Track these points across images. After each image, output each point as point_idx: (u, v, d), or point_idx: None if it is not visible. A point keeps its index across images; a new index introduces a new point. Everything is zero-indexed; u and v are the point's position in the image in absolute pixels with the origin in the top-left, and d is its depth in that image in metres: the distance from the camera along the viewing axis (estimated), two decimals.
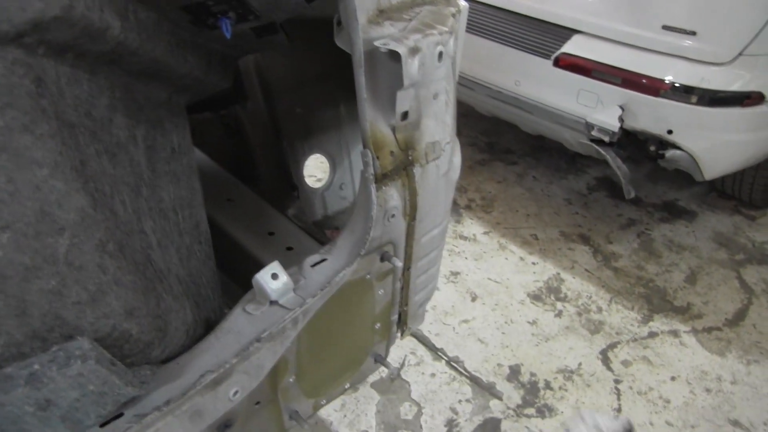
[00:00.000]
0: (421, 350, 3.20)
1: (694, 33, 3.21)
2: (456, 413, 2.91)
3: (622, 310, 3.55)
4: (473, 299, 3.56)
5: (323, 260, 1.47)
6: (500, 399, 2.98)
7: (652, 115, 3.39)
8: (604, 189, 4.53)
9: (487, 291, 3.62)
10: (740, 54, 3.20)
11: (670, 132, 3.38)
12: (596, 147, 3.58)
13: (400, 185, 1.62)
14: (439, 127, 1.72)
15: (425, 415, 2.89)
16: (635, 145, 3.60)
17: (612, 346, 3.32)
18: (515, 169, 4.71)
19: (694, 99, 3.27)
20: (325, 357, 1.71)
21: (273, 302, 1.36)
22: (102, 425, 1.13)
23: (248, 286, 1.51)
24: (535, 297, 3.60)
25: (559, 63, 3.62)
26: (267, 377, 1.41)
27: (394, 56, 1.52)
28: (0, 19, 0.94)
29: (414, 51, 1.54)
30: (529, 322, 3.44)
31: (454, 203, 3.98)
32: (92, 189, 1.10)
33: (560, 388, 3.07)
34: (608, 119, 3.47)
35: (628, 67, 3.40)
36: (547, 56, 3.65)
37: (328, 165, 2.36)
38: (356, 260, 1.47)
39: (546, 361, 3.21)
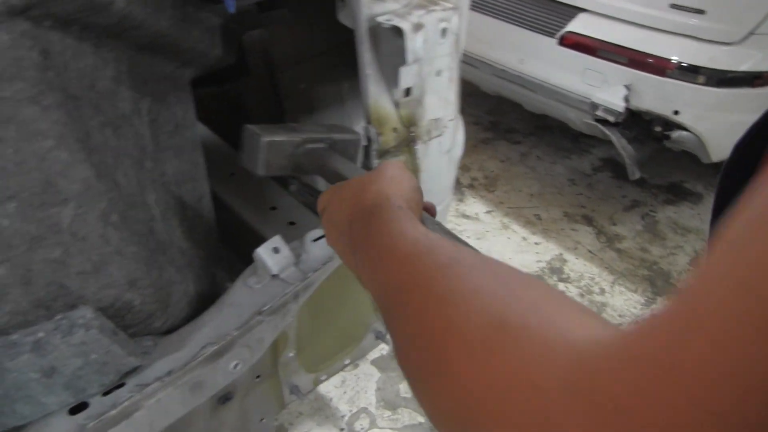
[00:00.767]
0: None
1: (702, 12, 3.19)
2: None
3: (626, 292, 3.54)
4: None
5: (324, 235, 1.48)
6: None
7: (658, 95, 3.37)
8: (609, 170, 4.52)
9: None
10: (751, 33, 3.17)
11: (676, 112, 3.37)
12: (601, 127, 3.57)
13: (403, 162, 1.63)
14: (442, 104, 1.72)
15: None
16: (640, 125, 3.59)
17: None
18: (519, 149, 4.70)
19: (701, 79, 3.26)
20: (325, 332, 1.73)
21: (274, 276, 1.37)
22: (104, 394, 1.14)
23: (250, 260, 1.51)
24: (538, 277, 3.60)
25: (564, 42, 3.60)
26: (267, 351, 1.42)
27: (397, 32, 1.52)
28: None
29: (417, 27, 1.55)
30: None
31: (457, 182, 3.98)
32: (96, 160, 1.11)
33: None
34: (613, 99, 3.45)
35: (635, 47, 3.38)
36: (552, 35, 3.63)
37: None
38: None
39: None
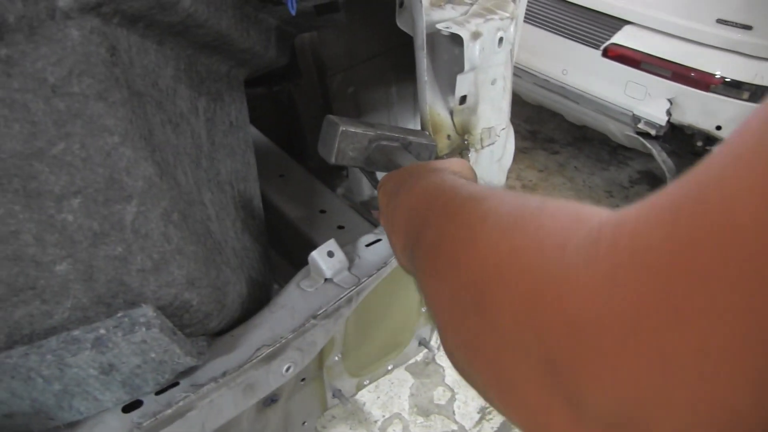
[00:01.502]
0: None
1: (749, 27, 3.16)
2: None
3: None
4: None
5: (378, 240, 1.47)
6: None
7: (701, 110, 3.35)
8: (647, 182, 4.48)
9: None
10: None
11: (719, 128, 3.34)
12: (642, 140, 3.55)
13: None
14: (495, 112, 1.71)
15: (458, 400, 2.90)
16: (680, 139, 3.56)
17: None
18: (557, 158, 4.67)
19: (746, 95, 3.23)
20: (371, 337, 1.72)
21: (328, 280, 1.36)
22: (157, 393, 1.14)
23: (297, 262, 1.51)
24: None
25: (608, 53, 3.59)
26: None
27: (456, 40, 1.52)
28: None
29: (475, 35, 1.54)
30: None
31: None
32: (158, 158, 1.11)
33: None
34: (656, 112, 3.44)
35: (679, 60, 3.36)
36: (596, 46, 3.62)
37: None
38: None
39: None
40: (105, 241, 1.04)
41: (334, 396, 1.71)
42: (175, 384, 1.16)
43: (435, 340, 1.96)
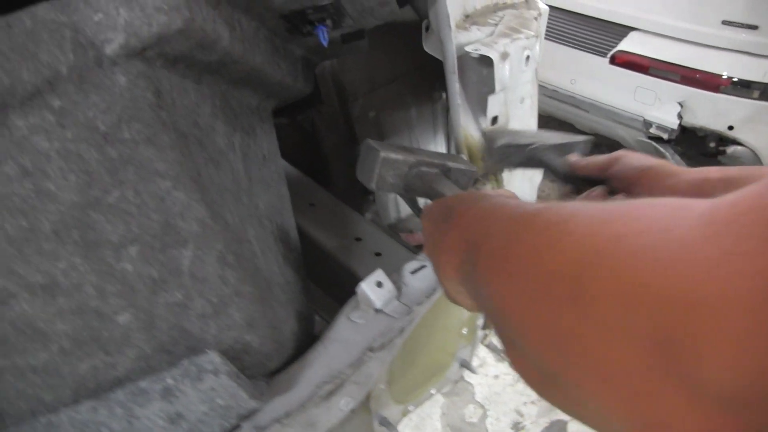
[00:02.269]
0: (483, 351, 3.18)
1: (755, 27, 3.17)
2: (521, 415, 2.89)
3: None
4: None
5: (423, 267, 1.46)
6: None
7: (713, 111, 3.36)
8: None
9: None
10: None
11: (731, 128, 3.35)
12: (654, 144, 3.56)
13: (490, 189, 1.61)
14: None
15: (490, 417, 2.88)
16: (691, 141, 3.56)
17: None
18: None
19: (756, 94, 3.23)
20: (415, 362, 1.71)
21: (378, 310, 1.35)
22: None
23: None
24: None
25: (615, 60, 3.61)
26: None
27: (486, 61, 1.51)
28: (128, 33, 0.95)
29: (504, 56, 1.54)
30: None
31: None
32: (209, 199, 1.10)
33: None
34: (667, 116, 3.45)
35: (687, 64, 3.37)
36: (603, 54, 3.63)
37: None
38: None
39: None
40: (164, 288, 1.03)
41: (381, 424, 1.69)
42: (237, 427, 1.15)
43: (476, 361, 1.95)
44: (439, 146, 2.38)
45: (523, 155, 1.23)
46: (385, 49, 2.00)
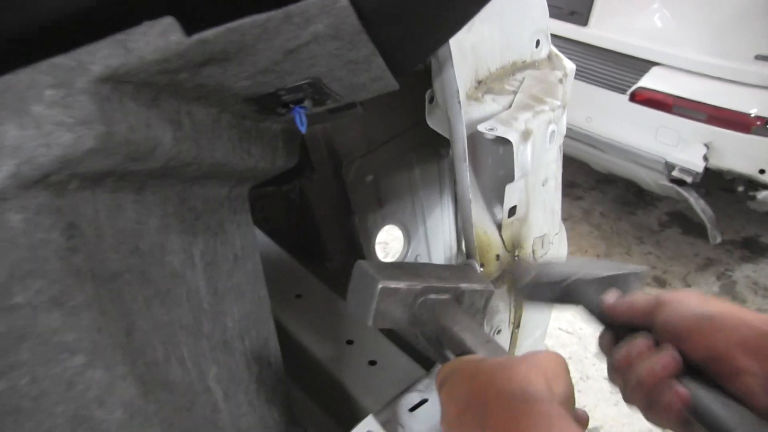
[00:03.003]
0: None
1: None
2: None
3: None
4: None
5: (423, 401, 1.20)
6: None
7: (742, 154, 3.17)
8: (677, 225, 4.21)
9: (559, 342, 3.32)
10: None
11: (762, 171, 3.13)
12: (677, 188, 3.33)
13: (506, 292, 1.36)
14: (548, 217, 1.45)
15: None
16: (712, 180, 3.35)
17: None
18: (581, 205, 4.41)
19: None
20: None
21: None
22: None
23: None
24: None
25: (635, 98, 3.40)
26: None
27: (503, 143, 1.26)
28: (19, 160, 0.69)
29: (525, 135, 1.28)
30: (607, 378, 3.14)
31: None
32: (141, 367, 0.84)
33: None
34: (691, 158, 3.23)
35: (714, 102, 3.16)
36: (622, 91, 3.43)
37: (401, 236, 2.12)
38: None
39: (628, 423, 2.92)
40: None
41: None
42: None
43: None
44: (446, 209, 2.13)
45: (557, 292, 0.99)
46: (382, 103, 1.72)
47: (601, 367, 3.12)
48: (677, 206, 4.29)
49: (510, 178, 1.29)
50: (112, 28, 0.72)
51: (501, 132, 1.24)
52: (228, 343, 1.17)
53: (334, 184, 1.89)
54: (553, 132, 1.36)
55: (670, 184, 3.34)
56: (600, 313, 0.87)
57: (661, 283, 3.73)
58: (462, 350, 0.89)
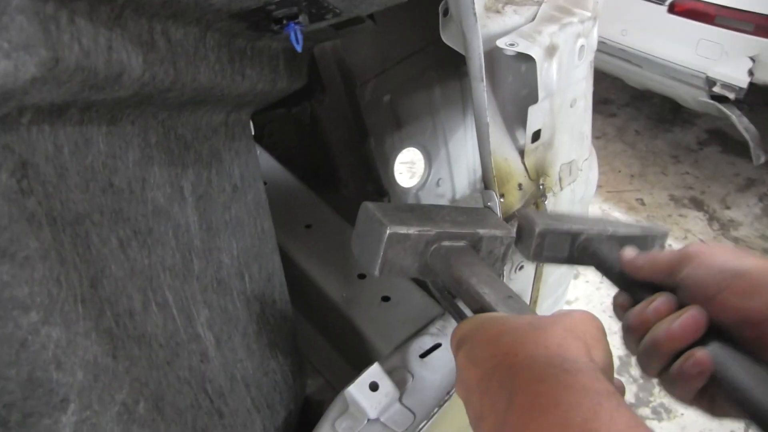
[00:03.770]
0: None
1: None
2: None
3: None
4: (575, 277, 3.16)
5: (436, 346, 1.10)
6: None
7: None
8: (717, 143, 4.05)
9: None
10: None
11: None
12: (718, 105, 3.18)
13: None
14: (576, 141, 1.33)
15: None
16: (755, 94, 3.20)
17: None
18: (615, 122, 4.25)
19: None
20: None
21: (373, 419, 1.00)
22: None
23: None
24: None
25: (674, 9, 3.25)
26: None
27: (525, 60, 1.13)
28: None
29: (551, 51, 1.15)
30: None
31: None
32: (109, 321, 0.74)
33: None
34: (735, 73, 3.09)
35: (763, 10, 2.98)
36: (660, 1, 3.27)
37: (422, 158, 2.00)
38: None
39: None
40: None
41: None
42: None
43: None
44: (469, 130, 2.01)
45: (572, 248, 0.89)
46: (398, 18, 1.58)
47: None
48: (717, 123, 4.12)
49: (533, 98, 1.16)
50: None
51: (523, 47, 1.11)
52: (224, 282, 1.08)
53: (348, 105, 1.77)
54: (582, 47, 1.23)
55: (711, 101, 3.20)
56: (617, 273, 0.77)
57: (698, 204, 3.60)
58: (480, 306, 0.79)
